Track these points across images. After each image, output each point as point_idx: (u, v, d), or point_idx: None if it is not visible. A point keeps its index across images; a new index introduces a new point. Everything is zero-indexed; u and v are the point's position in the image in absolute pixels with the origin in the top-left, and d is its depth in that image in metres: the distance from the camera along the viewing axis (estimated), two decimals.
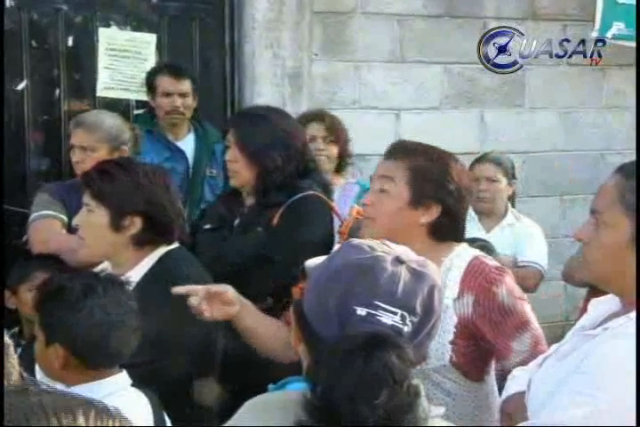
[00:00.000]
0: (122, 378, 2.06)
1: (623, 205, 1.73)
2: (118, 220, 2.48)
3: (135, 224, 2.49)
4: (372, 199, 2.32)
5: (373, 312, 1.38)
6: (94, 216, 2.49)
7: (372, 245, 1.48)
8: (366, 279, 1.41)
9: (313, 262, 1.57)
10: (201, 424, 2.43)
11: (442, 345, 2.17)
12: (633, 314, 1.71)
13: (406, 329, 1.39)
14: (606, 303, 1.88)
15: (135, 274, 2.46)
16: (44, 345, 2.05)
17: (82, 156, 3.41)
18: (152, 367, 2.25)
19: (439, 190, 2.25)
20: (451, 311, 2.18)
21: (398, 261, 1.44)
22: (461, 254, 2.27)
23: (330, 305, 1.41)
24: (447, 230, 2.29)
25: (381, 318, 1.38)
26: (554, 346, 1.98)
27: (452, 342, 2.18)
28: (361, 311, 1.38)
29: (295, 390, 1.39)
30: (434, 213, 2.26)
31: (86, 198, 2.52)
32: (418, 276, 1.43)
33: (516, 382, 1.96)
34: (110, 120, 3.54)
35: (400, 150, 2.34)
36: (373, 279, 1.41)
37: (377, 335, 1.33)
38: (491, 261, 2.28)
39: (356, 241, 1.52)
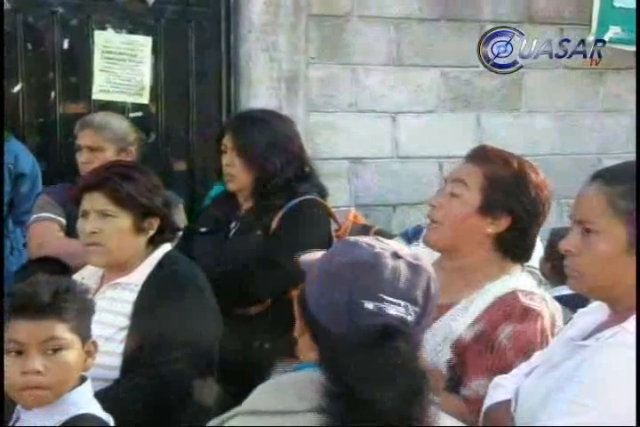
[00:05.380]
0: (88, 388, 2.00)
1: (615, 211, 1.71)
2: (140, 222, 2.49)
3: (152, 225, 2.52)
4: (441, 202, 2.24)
5: (381, 305, 1.48)
6: (116, 221, 2.46)
7: (369, 241, 1.58)
8: (371, 275, 1.50)
9: (308, 258, 1.68)
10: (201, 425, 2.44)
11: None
12: (627, 324, 1.69)
13: (410, 318, 1.50)
14: (592, 313, 1.86)
15: (138, 276, 2.47)
16: None
17: (89, 156, 3.41)
18: (167, 367, 2.30)
19: (511, 201, 2.17)
20: (451, 338, 2.12)
21: (396, 256, 1.53)
22: (504, 285, 2.17)
23: (338, 301, 1.50)
24: (514, 245, 2.21)
25: (388, 311, 1.48)
26: (537, 354, 1.97)
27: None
28: (369, 305, 1.48)
29: (306, 371, 1.54)
30: (502, 224, 2.18)
31: (101, 204, 2.47)
32: (415, 269, 1.53)
33: (500, 391, 1.91)
34: (117, 121, 3.56)
35: (480, 155, 2.26)
36: (378, 275, 1.50)
37: (389, 326, 1.46)
38: (527, 301, 2.11)
39: (352, 239, 1.63)
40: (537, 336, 2.09)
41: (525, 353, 2.05)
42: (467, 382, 2.09)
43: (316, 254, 1.66)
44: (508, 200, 2.18)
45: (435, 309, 1.56)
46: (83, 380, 1.95)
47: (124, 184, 2.46)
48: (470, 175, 2.21)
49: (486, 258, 2.22)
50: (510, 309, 2.10)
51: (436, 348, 2.14)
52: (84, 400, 1.93)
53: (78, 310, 1.93)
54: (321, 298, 1.53)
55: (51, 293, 1.90)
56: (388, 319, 1.47)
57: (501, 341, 2.07)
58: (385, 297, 1.48)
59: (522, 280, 2.22)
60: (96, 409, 1.94)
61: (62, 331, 1.89)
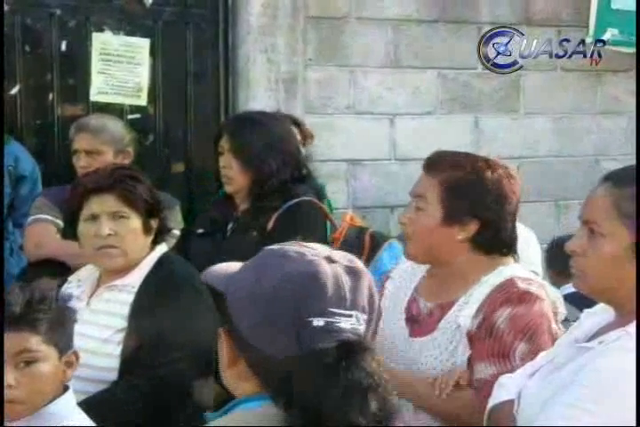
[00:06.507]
0: (70, 398, 1.94)
1: (620, 214, 1.71)
2: (148, 223, 2.51)
3: (152, 225, 2.54)
4: (409, 217, 2.26)
5: (331, 320, 1.35)
6: (129, 222, 2.48)
7: (295, 249, 1.43)
8: (314, 289, 1.36)
9: (220, 273, 1.51)
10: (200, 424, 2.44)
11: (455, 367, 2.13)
12: (630, 328, 1.69)
13: (362, 329, 1.38)
14: (598, 315, 1.86)
15: (135, 277, 2.47)
16: None
17: (88, 160, 3.40)
18: (167, 367, 2.32)
19: (474, 205, 2.18)
20: (461, 333, 2.14)
21: (330, 260, 1.40)
22: (500, 274, 2.18)
23: (282, 322, 1.35)
24: (491, 243, 2.22)
25: (340, 325, 1.35)
26: (542, 355, 1.97)
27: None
28: (318, 322, 1.34)
29: (249, 409, 1.37)
30: (471, 228, 2.20)
31: (113, 206, 2.46)
32: (354, 273, 1.41)
33: (504, 391, 1.92)
34: (113, 123, 3.56)
35: (434, 164, 2.26)
36: (321, 288, 1.36)
37: (348, 343, 1.33)
38: (525, 285, 2.14)
39: (275, 248, 1.47)
40: (536, 318, 2.10)
41: (525, 336, 2.07)
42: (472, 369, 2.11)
43: (229, 267, 1.51)
44: (469, 205, 2.18)
45: (380, 310, 1.46)
46: (66, 389, 1.89)
47: (136, 185, 2.48)
48: (428, 189, 2.22)
49: (471, 260, 2.23)
50: (508, 294, 2.12)
51: (447, 347, 2.16)
52: (66, 410, 1.87)
53: (54, 320, 1.85)
54: (258, 324, 1.36)
55: (23, 303, 1.82)
56: (342, 334, 1.34)
57: (499, 325, 2.08)
58: (334, 310, 1.35)
59: (518, 269, 2.24)
60: (80, 418, 1.89)
61: (35, 343, 1.81)
